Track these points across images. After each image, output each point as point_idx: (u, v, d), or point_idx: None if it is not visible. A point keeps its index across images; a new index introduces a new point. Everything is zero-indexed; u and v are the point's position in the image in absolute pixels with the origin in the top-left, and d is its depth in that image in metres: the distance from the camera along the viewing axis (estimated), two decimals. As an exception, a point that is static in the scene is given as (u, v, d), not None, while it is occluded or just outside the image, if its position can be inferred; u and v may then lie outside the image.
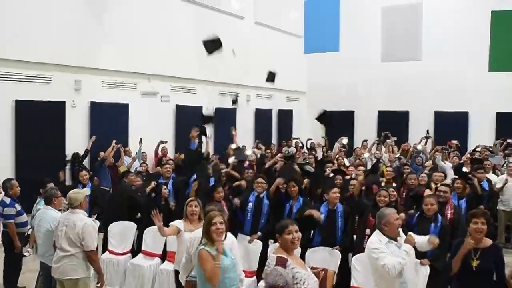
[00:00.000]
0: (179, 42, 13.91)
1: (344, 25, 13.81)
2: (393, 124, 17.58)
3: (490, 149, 14.48)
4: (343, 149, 13.32)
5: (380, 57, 14.32)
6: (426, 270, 6.10)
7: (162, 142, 12.73)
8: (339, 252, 6.75)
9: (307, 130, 18.08)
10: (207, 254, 4.34)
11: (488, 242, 5.00)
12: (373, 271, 5.01)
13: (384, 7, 14.66)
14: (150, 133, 12.95)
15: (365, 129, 18.58)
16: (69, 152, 11.55)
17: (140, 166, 10.73)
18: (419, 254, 5.98)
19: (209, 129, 10.00)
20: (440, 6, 17.16)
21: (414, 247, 5.15)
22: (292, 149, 14.35)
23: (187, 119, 13.93)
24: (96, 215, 8.14)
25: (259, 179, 7.93)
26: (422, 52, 13.90)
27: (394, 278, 4.83)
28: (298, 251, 5.23)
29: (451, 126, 17.25)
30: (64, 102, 11.56)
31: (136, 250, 7.95)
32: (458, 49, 17.13)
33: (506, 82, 15.53)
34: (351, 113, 19.53)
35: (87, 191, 6.22)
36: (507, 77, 13.32)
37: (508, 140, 14.56)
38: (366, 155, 11.31)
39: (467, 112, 17.83)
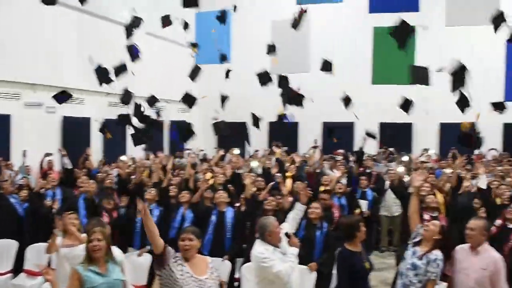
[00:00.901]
0: (65, 51, 13.43)
1: (235, 36, 14.00)
2: (283, 134, 18.03)
3: (375, 158, 15.24)
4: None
5: (270, 69, 14.60)
6: (313, 274, 6.29)
7: (47, 155, 12.19)
8: (229, 262, 6.79)
9: (200, 141, 18.04)
10: (73, 273, 4.22)
11: (359, 244, 5.32)
12: (259, 280, 5.10)
13: (274, 20, 15.03)
14: (35, 145, 12.36)
15: (257, 140, 18.87)
16: None
17: (21, 179, 10.19)
18: (307, 258, 6.17)
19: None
20: (326, 21, 17.86)
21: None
22: (184, 161, 14.26)
23: (75, 130, 13.46)
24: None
25: (150, 191, 7.85)
26: (310, 65, 14.38)
27: (283, 284, 4.97)
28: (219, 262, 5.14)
29: (338, 136, 17.97)
30: None
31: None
32: (344, 62, 17.84)
33: (388, 95, 16.38)
34: (243, 124, 19.74)
35: None
36: (389, 89, 14.02)
37: (390, 149, 15.38)
38: (255, 164, 11.53)
39: (353, 122, 18.64)
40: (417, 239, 5.30)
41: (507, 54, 13.44)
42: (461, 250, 5.31)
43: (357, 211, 9.25)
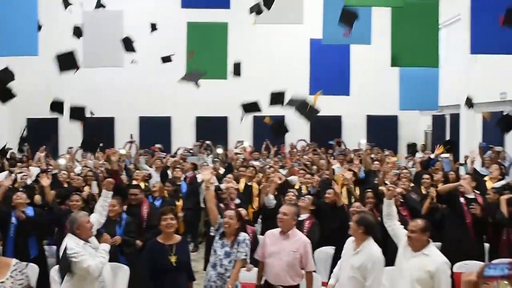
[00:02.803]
0: None
1: (44, 27, 13.15)
2: (99, 130, 17.45)
3: (191, 150, 15.45)
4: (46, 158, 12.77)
5: (84, 62, 13.97)
6: (126, 270, 6.19)
7: None
8: (36, 266, 6.42)
9: (4, 138, 16.80)
10: None
11: (178, 237, 5.35)
12: (71, 276, 4.93)
13: (85, 11, 14.43)
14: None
15: (71, 137, 18.05)
16: None
17: None
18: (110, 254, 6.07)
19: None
20: (140, 15, 17.60)
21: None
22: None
23: None
24: None
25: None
26: (124, 59, 14.07)
27: (94, 279, 4.91)
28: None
29: (154, 130, 17.98)
30: None
31: None
32: (159, 57, 17.78)
33: (203, 89, 16.60)
34: (55, 120, 18.75)
35: None
36: (204, 84, 14.22)
37: (207, 142, 15.67)
38: (63, 161, 11.18)
39: (170, 117, 18.75)
40: (221, 230, 5.49)
41: (311, 51, 14.35)
42: (271, 235, 5.64)
43: (179, 203, 9.43)
